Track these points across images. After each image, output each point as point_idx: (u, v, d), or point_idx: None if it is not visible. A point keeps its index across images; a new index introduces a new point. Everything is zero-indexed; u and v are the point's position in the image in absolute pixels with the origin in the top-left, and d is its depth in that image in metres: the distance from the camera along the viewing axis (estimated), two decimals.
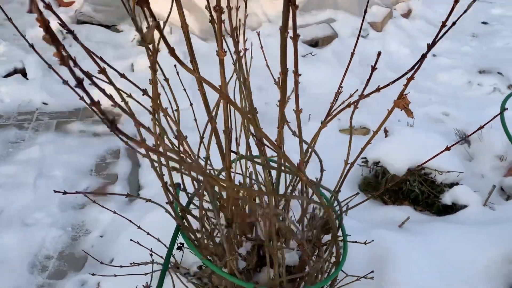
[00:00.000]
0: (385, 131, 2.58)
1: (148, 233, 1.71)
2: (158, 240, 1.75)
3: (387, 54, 4.34)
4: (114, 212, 1.68)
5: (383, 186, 2.42)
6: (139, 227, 1.71)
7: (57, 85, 3.49)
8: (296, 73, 0.86)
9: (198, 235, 1.35)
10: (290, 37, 0.78)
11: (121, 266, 1.71)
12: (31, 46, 1.01)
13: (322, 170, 1.40)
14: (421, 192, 2.36)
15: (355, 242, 1.45)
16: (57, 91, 3.45)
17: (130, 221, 1.72)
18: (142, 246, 1.68)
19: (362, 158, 2.52)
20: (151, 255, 1.64)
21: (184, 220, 1.32)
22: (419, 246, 1.82)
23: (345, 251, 1.35)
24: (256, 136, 1.05)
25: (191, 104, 1.47)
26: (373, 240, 1.47)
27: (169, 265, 1.74)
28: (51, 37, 0.52)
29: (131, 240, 1.66)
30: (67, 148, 2.79)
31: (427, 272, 1.69)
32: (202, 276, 1.48)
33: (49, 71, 3.59)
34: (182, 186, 1.43)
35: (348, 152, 1.32)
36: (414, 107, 3.66)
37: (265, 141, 0.98)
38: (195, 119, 1.47)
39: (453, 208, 2.34)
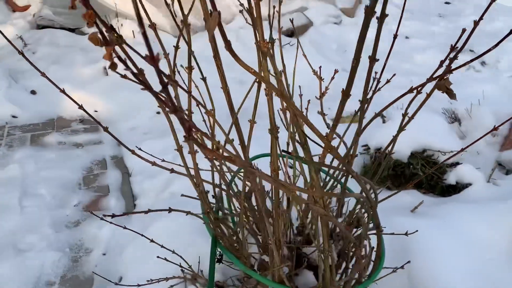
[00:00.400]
0: (382, 116, 2.55)
1: (162, 246, 1.60)
2: (174, 252, 1.64)
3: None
4: (125, 228, 1.55)
5: (385, 170, 2.40)
6: (152, 241, 1.58)
7: (26, 96, 3.25)
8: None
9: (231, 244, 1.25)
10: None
11: (139, 285, 1.59)
12: None
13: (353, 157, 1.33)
14: (424, 174, 2.35)
15: (393, 233, 1.40)
16: (26, 102, 3.22)
17: (142, 235, 1.60)
18: (165, 260, 1.56)
19: (363, 146, 2.48)
20: (182, 270, 1.53)
21: (220, 230, 1.21)
22: (439, 229, 1.80)
23: (383, 244, 1.30)
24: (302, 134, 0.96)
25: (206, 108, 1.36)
26: (417, 231, 1.42)
27: (197, 279, 1.64)
28: None
29: (158, 257, 1.54)
30: (49, 162, 2.60)
31: (454, 255, 1.67)
32: None
33: (16, 81, 3.33)
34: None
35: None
36: (400, 90, 3.68)
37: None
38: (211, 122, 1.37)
39: (456, 187, 2.35)
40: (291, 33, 4.08)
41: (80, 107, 1.27)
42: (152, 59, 0.44)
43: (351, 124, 1.35)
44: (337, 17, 4.42)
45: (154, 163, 1.40)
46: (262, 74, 0.91)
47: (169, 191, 2.29)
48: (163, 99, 0.56)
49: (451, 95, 1.18)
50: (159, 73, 0.46)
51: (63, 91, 1.16)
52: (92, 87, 3.36)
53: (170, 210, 1.17)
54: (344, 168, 1.04)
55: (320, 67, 1.42)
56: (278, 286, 1.06)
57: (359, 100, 1.22)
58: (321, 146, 1.03)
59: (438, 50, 4.31)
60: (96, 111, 3.21)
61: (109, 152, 2.76)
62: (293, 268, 1.27)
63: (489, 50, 0.91)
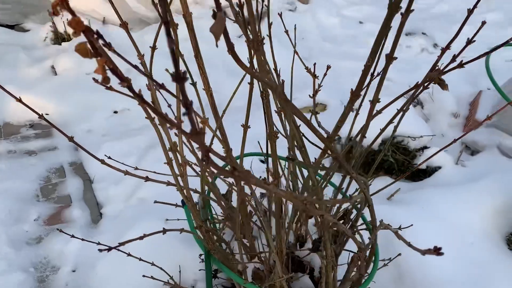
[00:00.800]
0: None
1: (140, 259, 1.49)
2: (153, 264, 1.54)
3: (319, 26, 4.31)
4: (99, 243, 1.43)
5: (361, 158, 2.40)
6: (129, 255, 1.47)
7: None
8: None
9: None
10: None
11: None
12: None
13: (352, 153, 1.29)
14: (395, 160, 2.37)
15: (387, 226, 1.37)
16: None
17: (118, 249, 1.48)
18: (145, 276, 1.45)
19: None
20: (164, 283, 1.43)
21: (212, 243, 1.13)
22: (420, 217, 1.81)
23: (377, 243, 1.27)
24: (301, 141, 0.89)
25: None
26: (411, 225, 1.40)
27: None
28: None
29: (143, 276, 1.43)
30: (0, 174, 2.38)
31: (435, 241, 1.68)
32: None
33: None
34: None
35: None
36: (357, 75, 3.70)
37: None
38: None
39: (426, 171, 2.38)
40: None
41: (41, 116, 1.14)
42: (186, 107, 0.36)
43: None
44: (292, 4, 4.37)
45: (126, 172, 1.29)
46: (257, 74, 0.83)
47: (137, 197, 2.16)
48: (166, 118, 0.47)
49: (443, 85, 1.15)
50: (184, 95, 0.38)
51: (19, 100, 1.02)
52: (41, 89, 3.11)
53: (164, 231, 1.07)
54: (346, 169, 0.98)
55: (314, 66, 1.35)
56: None
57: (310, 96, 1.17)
58: (320, 148, 0.97)
59: (391, 33, 4.37)
60: (47, 114, 2.97)
61: (66, 158, 2.57)
62: (290, 272, 1.21)
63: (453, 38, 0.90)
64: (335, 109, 2.96)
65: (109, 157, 1.45)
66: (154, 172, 1.39)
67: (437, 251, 0.47)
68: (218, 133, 1.00)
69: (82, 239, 1.46)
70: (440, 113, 2.78)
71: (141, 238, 1.06)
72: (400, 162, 2.37)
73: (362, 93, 0.98)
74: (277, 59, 1.37)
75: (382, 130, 1.18)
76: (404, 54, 4.10)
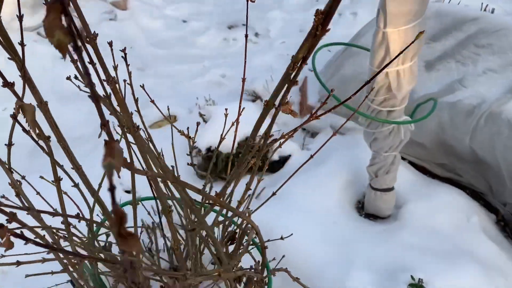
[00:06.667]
0: (201, 115, 2.62)
1: None
2: None
3: (145, 31, 4.24)
4: None
5: (222, 166, 2.52)
6: None
7: None
8: None
9: None
10: None
11: None
12: None
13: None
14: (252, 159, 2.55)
15: (269, 240, 1.50)
16: None
17: None
18: None
19: (194, 148, 2.51)
20: None
21: None
22: (284, 210, 2.01)
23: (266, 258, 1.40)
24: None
25: None
26: (291, 234, 1.54)
27: None
28: None
29: None
30: None
31: (304, 229, 1.90)
32: None
33: None
34: None
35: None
36: (196, 77, 3.78)
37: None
38: None
39: (279, 162, 2.63)
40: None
41: None
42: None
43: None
44: (111, 12, 4.19)
45: None
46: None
47: None
48: None
49: (294, 114, 1.30)
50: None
51: None
52: None
53: None
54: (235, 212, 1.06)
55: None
56: None
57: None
58: (210, 204, 1.03)
59: (215, 29, 4.55)
60: None
61: None
62: None
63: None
64: (185, 118, 3.01)
65: None
66: (25, 254, 1.27)
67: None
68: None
69: None
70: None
71: None
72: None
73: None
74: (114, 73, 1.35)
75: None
76: (233, 48, 4.33)
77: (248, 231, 1.33)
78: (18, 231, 0.58)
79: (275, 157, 2.56)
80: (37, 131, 0.77)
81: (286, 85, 0.66)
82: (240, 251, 1.33)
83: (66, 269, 0.91)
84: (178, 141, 2.48)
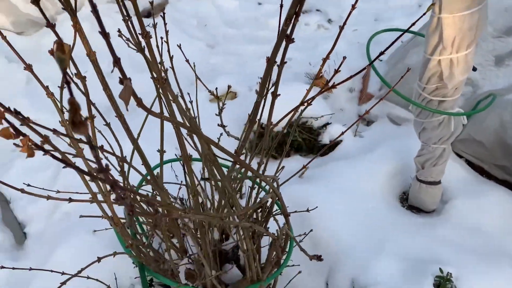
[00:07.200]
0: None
1: (76, 275, 1.53)
2: (88, 277, 1.59)
3: (218, 10, 4.39)
4: (31, 269, 1.45)
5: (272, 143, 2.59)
6: (63, 273, 1.51)
7: None
8: None
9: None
10: None
11: None
12: None
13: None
14: (303, 140, 2.59)
15: (296, 211, 1.55)
16: None
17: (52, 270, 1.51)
18: None
19: (245, 124, 2.61)
20: None
21: (144, 254, 1.23)
22: (327, 190, 2.04)
23: (291, 227, 1.45)
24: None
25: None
26: (316, 207, 1.59)
27: None
28: None
29: None
30: None
31: (340, 210, 1.92)
32: None
33: None
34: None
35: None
36: (261, 58, 3.85)
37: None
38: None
39: (330, 146, 2.65)
40: (147, 14, 3.95)
41: None
42: (106, 175, 0.46)
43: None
44: None
45: (49, 197, 1.33)
46: (166, 109, 0.93)
47: (60, 211, 2.15)
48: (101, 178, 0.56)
49: (328, 89, 1.34)
50: (97, 159, 0.47)
51: None
52: None
53: (99, 260, 1.14)
54: (254, 174, 1.13)
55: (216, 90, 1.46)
56: None
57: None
58: (230, 161, 1.11)
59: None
60: None
61: None
62: (219, 268, 1.36)
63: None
64: (245, 96, 3.10)
65: (28, 184, 1.46)
66: (77, 193, 1.44)
67: (318, 258, 0.63)
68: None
69: (13, 268, 1.47)
70: (338, 89, 3.06)
71: (79, 272, 1.14)
72: (307, 140, 2.60)
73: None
74: (185, 47, 1.47)
75: (291, 115, 1.34)
76: (303, 32, 4.34)
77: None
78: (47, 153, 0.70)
79: (326, 140, 2.57)
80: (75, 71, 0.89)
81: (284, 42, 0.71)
82: (261, 215, 1.40)
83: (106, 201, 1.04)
84: (234, 115, 2.60)
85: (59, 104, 0.98)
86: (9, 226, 2.15)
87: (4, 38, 0.94)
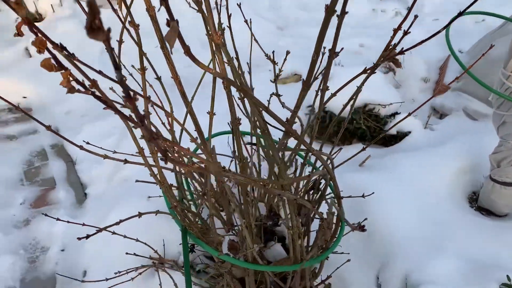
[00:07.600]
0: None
1: (125, 236, 1.57)
2: (137, 240, 1.63)
3: None
4: (84, 225, 1.51)
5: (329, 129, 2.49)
6: (114, 233, 1.55)
7: None
8: None
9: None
10: None
11: (107, 279, 1.57)
12: None
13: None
14: (367, 128, 2.46)
15: (350, 196, 1.47)
16: None
17: (105, 229, 1.56)
18: (132, 253, 1.54)
19: (308, 107, 2.53)
20: (154, 262, 1.53)
21: (188, 220, 1.22)
22: (387, 181, 1.92)
23: (343, 210, 1.37)
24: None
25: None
26: (373, 193, 1.49)
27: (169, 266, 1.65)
28: None
29: (127, 253, 1.52)
30: None
31: (402, 204, 1.80)
32: (221, 271, 1.40)
33: None
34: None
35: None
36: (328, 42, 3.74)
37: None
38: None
39: (397, 137, 2.49)
40: None
41: (17, 108, 1.16)
42: (130, 100, 0.42)
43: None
44: None
45: (106, 156, 1.35)
46: (218, 68, 0.89)
47: (119, 176, 2.23)
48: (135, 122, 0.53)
49: (397, 63, 1.23)
50: (136, 111, 0.44)
51: None
52: (16, 72, 3.10)
53: (140, 215, 1.15)
54: (306, 148, 1.06)
55: (273, 54, 1.41)
56: (253, 266, 1.10)
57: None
58: (282, 130, 1.05)
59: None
60: (25, 97, 2.99)
61: (47, 141, 2.61)
62: (263, 243, 1.31)
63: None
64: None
65: (87, 142, 1.50)
66: (133, 155, 1.46)
67: (361, 228, 0.55)
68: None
69: (68, 222, 1.53)
70: (411, 79, 2.87)
71: (117, 223, 1.15)
72: (372, 129, 2.46)
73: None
74: (254, 28, 1.43)
75: (352, 99, 1.26)
76: (379, 19, 4.14)
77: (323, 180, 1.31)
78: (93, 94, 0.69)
79: (392, 130, 2.43)
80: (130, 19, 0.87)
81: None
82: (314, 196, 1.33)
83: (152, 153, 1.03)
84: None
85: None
86: (72, 186, 2.26)
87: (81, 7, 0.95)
